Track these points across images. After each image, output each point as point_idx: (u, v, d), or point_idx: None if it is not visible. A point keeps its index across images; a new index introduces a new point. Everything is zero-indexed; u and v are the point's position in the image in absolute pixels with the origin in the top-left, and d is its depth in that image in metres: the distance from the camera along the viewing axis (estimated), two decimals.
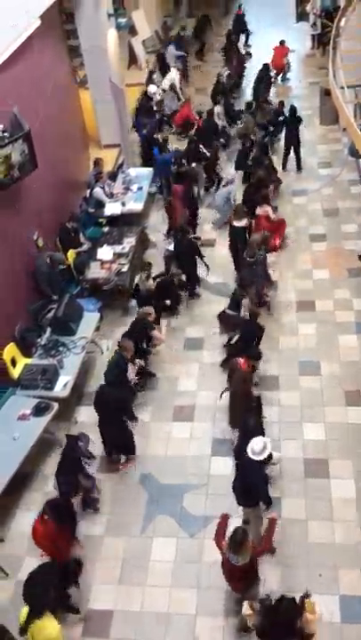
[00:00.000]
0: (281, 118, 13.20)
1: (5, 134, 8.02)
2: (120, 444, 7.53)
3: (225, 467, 7.20)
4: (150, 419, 8.13)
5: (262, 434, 6.50)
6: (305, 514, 6.70)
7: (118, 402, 7.23)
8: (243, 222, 9.92)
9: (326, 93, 13.13)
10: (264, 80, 15.47)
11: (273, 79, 16.10)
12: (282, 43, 16.58)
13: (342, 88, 9.59)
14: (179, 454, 7.60)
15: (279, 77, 16.74)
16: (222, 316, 8.98)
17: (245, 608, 4.88)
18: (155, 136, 13.51)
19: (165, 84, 15.71)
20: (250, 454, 5.87)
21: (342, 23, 11.35)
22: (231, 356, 7.92)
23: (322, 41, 17.63)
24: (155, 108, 14.87)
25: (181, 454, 7.59)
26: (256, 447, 5.87)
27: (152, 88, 14.99)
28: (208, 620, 5.94)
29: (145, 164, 13.28)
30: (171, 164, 12.13)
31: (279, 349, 8.81)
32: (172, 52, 17.51)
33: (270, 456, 5.98)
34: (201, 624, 5.90)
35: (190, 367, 8.83)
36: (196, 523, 6.79)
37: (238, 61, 17.14)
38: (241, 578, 5.40)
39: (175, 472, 7.38)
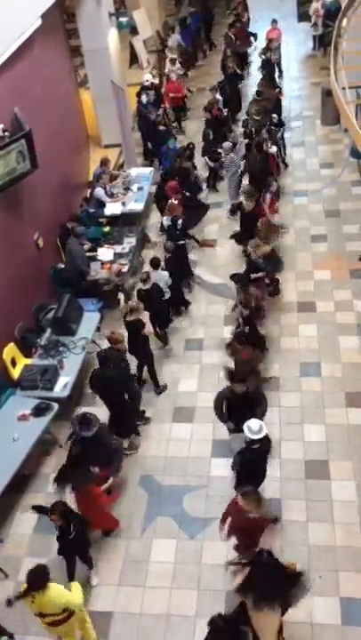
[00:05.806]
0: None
1: (6, 134, 8.00)
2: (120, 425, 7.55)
3: (225, 468, 7.18)
4: (150, 419, 8.12)
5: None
6: (305, 515, 6.69)
7: (118, 379, 7.23)
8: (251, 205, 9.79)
9: (328, 94, 13.08)
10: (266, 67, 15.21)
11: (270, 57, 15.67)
12: (273, 23, 16.67)
13: (344, 89, 9.55)
14: (179, 455, 7.58)
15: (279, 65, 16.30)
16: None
17: None
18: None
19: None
20: (247, 433, 5.93)
21: (343, 24, 11.28)
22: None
23: (323, 42, 17.58)
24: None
25: (182, 455, 7.58)
26: (253, 426, 5.93)
27: (146, 76, 14.82)
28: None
29: (145, 152, 13.40)
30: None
31: (280, 350, 8.80)
32: (175, 38, 17.48)
33: None
34: (201, 626, 5.85)
35: (190, 368, 8.82)
36: (197, 524, 6.78)
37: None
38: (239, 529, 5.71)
39: (175, 473, 7.37)
